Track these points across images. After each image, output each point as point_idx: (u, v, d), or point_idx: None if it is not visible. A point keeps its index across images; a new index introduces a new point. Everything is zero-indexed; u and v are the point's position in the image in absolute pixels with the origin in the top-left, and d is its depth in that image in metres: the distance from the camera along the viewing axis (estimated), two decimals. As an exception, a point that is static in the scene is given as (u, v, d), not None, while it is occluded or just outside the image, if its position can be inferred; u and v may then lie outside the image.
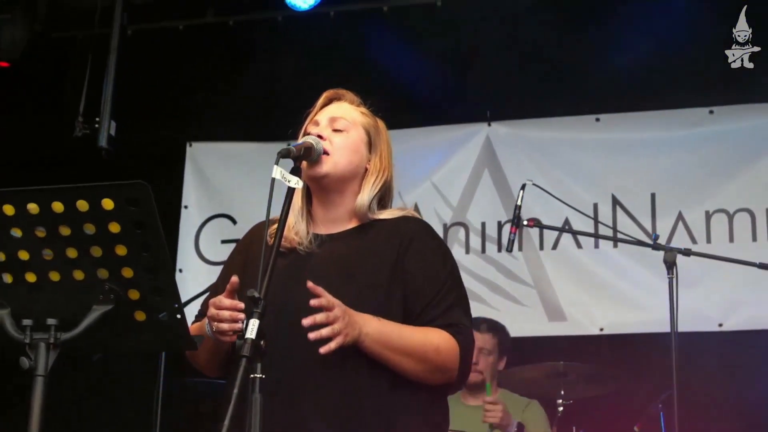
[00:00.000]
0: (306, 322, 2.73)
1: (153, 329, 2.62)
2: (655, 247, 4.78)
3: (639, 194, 6.34)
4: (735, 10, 5.59)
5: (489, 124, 6.66)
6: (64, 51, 6.95)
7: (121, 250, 2.54)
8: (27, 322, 2.60)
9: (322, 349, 2.72)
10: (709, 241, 6.17)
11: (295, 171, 2.90)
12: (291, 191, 2.87)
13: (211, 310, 2.82)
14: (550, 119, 6.58)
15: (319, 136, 3.08)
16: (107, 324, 2.59)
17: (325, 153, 3.05)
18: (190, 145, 7.06)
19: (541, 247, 6.45)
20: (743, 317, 6.07)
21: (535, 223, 5.04)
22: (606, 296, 6.28)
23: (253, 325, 2.59)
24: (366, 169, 3.16)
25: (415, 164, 6.62)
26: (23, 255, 2.58)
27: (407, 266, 3.02)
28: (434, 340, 2.94)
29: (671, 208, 6.28)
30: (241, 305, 2.76)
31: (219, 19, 6.94)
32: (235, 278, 2.82)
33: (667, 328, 6.02)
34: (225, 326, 2.78)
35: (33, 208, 2.53)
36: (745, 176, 6.19)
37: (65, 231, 2.54)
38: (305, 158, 2.97)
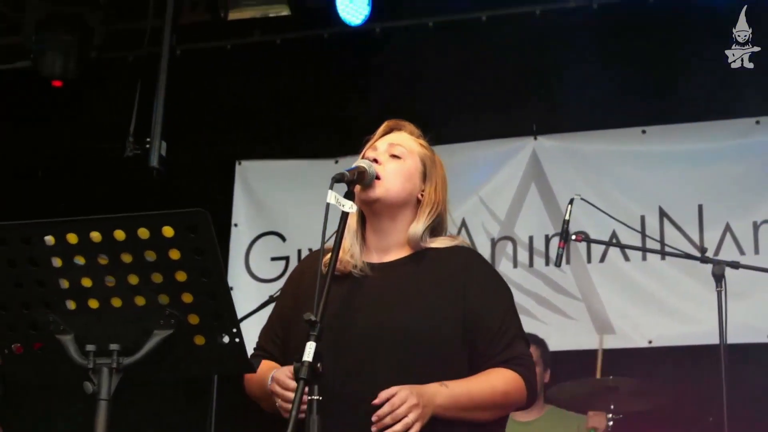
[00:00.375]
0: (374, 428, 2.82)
1: (212, 353, 2.68)
2: (703, 260, 4.80)
3: (686, 206, 6.33)
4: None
5: (535, 138, 6.68)
6: (116, 71, 7.07)
7: (181, 276, 2.61)
8: (90, 347, 2.66)
9: None
10: (757, 252, 6.16)
11: (349, 195, 2.96)
12: (345, 215, 2.92)
13: (277, 388, 2.90)
14: (596, 132, 6.59)
15: (375, 161, 3.12)
16: (168, 349, 2.65)
17: (378, 178, 3.09)
18: (240, 164, 7.13)
19: (589, 260, 6.46)
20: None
21: (583, 237, 5.08)
22: (654, 309, 6.27)
23: (310, 348, 2.65)
24: (419, 199, 3.20)
25: (462, 179, 6.63)
26: (86, 282, 2.65)
27: (468, 297, 3.07)
28: (500, 386, 2.99)
29: (719, 219, 6.27)
30: (305, 398, 2.72)
31: (266, 38, 7.04)
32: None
33: (715, 340, 6.07)
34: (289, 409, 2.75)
35: (96, 236, 2.60)
36: (792, 186, 6.18)
37: (127, 258, 2.61)
38: (359, 182, 3.02)
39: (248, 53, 7.07)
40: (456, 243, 3.21)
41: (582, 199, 5.05)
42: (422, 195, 3.19)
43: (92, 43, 7.03)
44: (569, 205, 5.01)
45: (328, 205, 2.86)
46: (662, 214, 6.36)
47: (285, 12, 6.71)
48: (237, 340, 2.66)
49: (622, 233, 6.17)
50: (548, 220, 6.53)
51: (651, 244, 6.06)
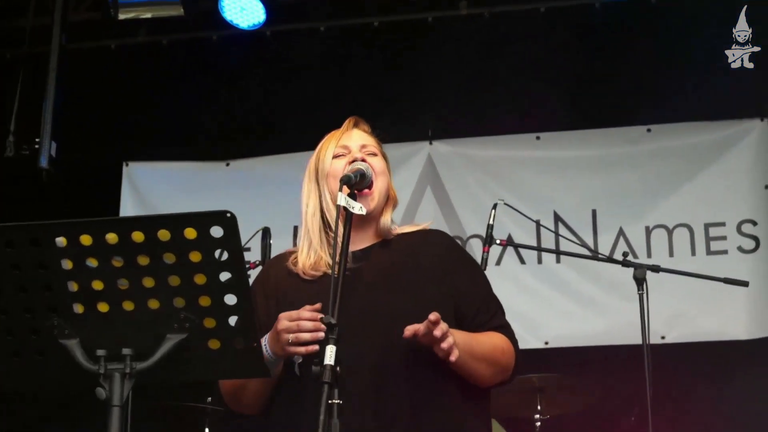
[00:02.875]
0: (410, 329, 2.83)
1: (227, 358, 2.62)
2: (625, 263, 4.92)
3: (580, 211, 6.49)
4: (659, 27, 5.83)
5: (430, 143, 6.74)
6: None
7: (200, 279, 2.53)
8: (101, 352, 2.57)
9: (452, 357, 2.80)
10: (649, 255, 6.35)
11: (352, 197, 2.95)
12: (350, 217, 2.90)
13: (285, 323, 2.86)
14: (491, 137, 6.69)
15: (363, 160, 3.13)
16: (181, 353, 2.58)
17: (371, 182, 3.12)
18: (127, 165, 6.97)
19: (485, 266, 6.52)
20: (683, 330, 6.25)
21: (508, 241, 5.14)
22: (550, 311, 6.40)
23: (331, 351, 2.62)
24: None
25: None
26: (97, 285, 2.55)
27: (454, 275, 3.14)
28: (499, 343, 3.08)
29: (612, 223, 6.45)
30: (322, 316, 2.78)
31: (151, 38, 6.91)
32: (310, 307, 2.87)
33: (608, 341, 6.25)
34: (307, 336, 2.80)
35: (112, 237, 2.50)
36: (682, 192, 6.40)
37: (143, 261, 2.52)
38: (358, 185, 3.01)
39: (135, 53, 6.92)
40: (423, 227, 3.31)
41: (505, 204, 5.12)
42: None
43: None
44: (493, 210, 5.08)
45: (338, 207, 2.85)
46: (557, 218, 6.49)
47: (178, 12, 6.58)
48: (255, 344, 2.60)
49: (519, 237, 6.27)
50: (444, 224, 6.59)
51: (556, 245, 6.18)
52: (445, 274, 3.12)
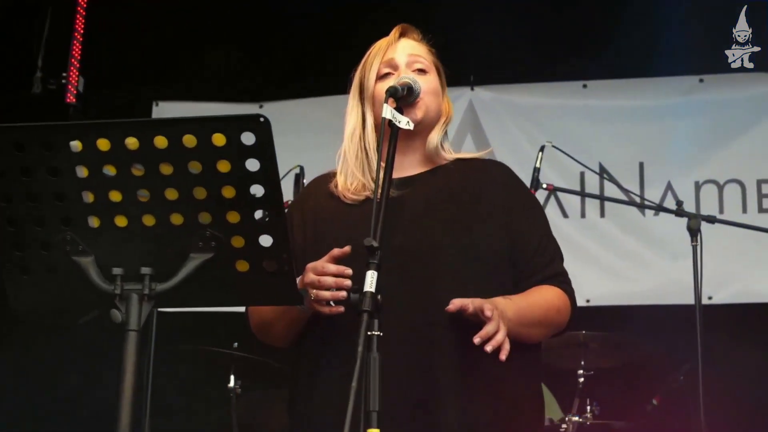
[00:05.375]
0: (477, 340, 2.48)
1: (256, 281, 2.36)
2: (678, 213, 4.63)
3: (627, 163, 6.20)
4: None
5: (472, 89, 6.46)
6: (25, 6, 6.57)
7: (228, 192, 2.27)
8: (117, 271, 2.32)
9: (502, 355, 2.49)
10: (698, 212, 6.03)
11: (399, 111, 2.67)
12: (396, 133, 2.63)
13: (311, 276, 2.57)
14: (536, 84, 6.41)
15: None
16: (206, 274, 2.33)
17: (419, 97, 2.83)
18: (157, 105, 6.72)
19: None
20: (732, 291, 5.97)
21: (554, 186, 4.86)
22: (593, 267, 6.12)
23: (372, 277, 2.36)
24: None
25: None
26: (115, 196, 2.29)
27: (512, 212, 2.85)
28: (554, 301, 2.77)
29: (660, 177, 6.17)
30: (349, 271, 2.52)
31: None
32: (339, 250, 2.57)
33: (652, 301, 5.97)
34: (327, 294, 2.53)
35: (132, 142, 2.24)
36: (735, 147, 6.11)
37: (167, 169, 2.26)
38: (405, 99, 2.74)
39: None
40: (480, 155, 3.02)
41: (553, 146, 4.84)
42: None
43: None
44: (540, 153, 4.81)
45: (383, 120, 2.57)
46: (602, 170, 6.20)
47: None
48: (286, 267, 2.34)
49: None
50: (484, 174, 6.30)
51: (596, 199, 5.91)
52: (503, 211, 2.83)
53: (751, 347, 5.72)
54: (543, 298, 2.76)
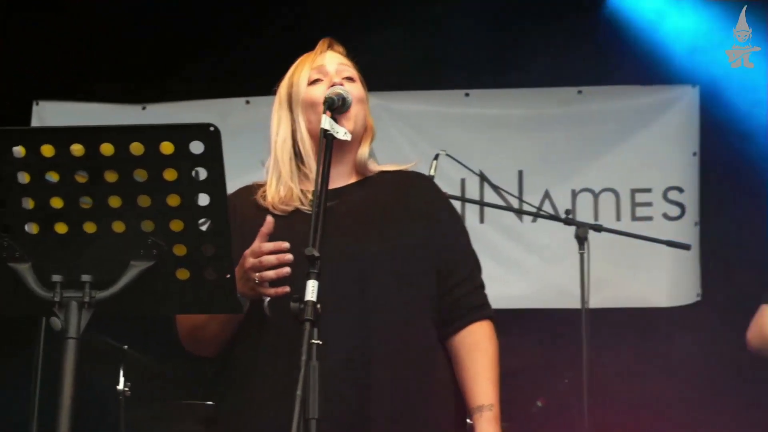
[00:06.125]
0: None
1: (196, 290, 2.36)
2: (567, 222, 4.75)
3: (506, 171, 6.31)
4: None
5: (355, 95, 6.47)
6: None
7: (173, 201, 2.28)
8: (57, 278, 2.30)
9: None
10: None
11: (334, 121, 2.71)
12: (331, 144, 2.65)
13: (250, 260, 2.59)
14: (418, 92, 6.47)
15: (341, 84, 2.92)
16: (146, 282, 2.32)
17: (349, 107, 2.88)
18: (37, 104, 6.55)
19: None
20: (605, 296, 6.13)
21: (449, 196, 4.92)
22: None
23: (313, 286, 2.38)
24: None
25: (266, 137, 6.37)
26: (56, 203, 2.28)
27: (439, 223, 2.96)
28: (494, 353, 2.91)
29: (538, 185, 6.29)
30: (286, 245, 2.56)
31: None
32: (270, 219, 2.61)
33: (531, 305, 6.11)
34: (272, 273, 2.55)
35: (77, 149, 2.23)
36: (610, 157, 6.26)
37: (111, 177, 2.25)
38: (338, 109, 2.77)
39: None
40: (403, 167, 3.11)
41: (448, 155, 4.92)
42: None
43: None
44: (434, 161, 4.88)
45: (322, 131, 2.59)
46: (482, 177, 6.30)
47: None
48: (228, 276, 2.35)
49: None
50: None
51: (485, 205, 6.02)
52: (429, 221, 2.92)
53: (622, 351, 5.89)
54: (493, 363, 2.89)
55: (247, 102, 6.33)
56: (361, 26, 6.29)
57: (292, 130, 2.91)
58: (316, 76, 2.96)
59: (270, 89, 6.09)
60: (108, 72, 6.42)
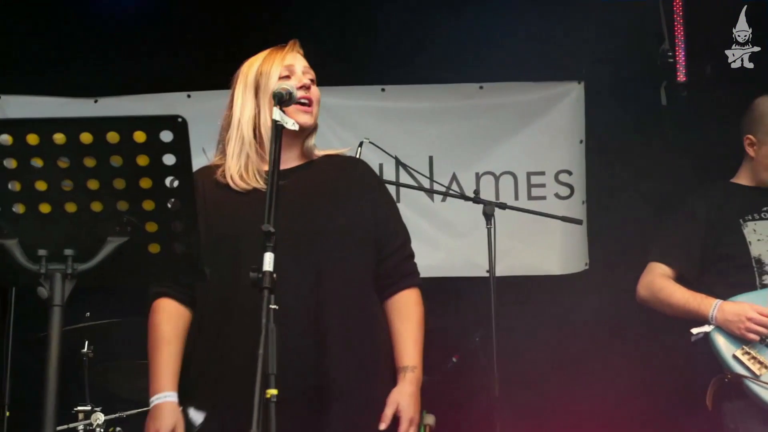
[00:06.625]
0: None
1: (166, 262, 2.38)
2: (476, 200, 4.83)
3: (419, 157, 6.36)
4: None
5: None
6: None
7: (145, 183, 2.30)
8: (42, 252, 2.30)
9: None
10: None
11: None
12: (280, 132, 2.68)
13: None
14: (339, 87, 6.48)
15: (308, 87, 3.06)
16: (122, 256, 2.33)
17: (309, 104, 3.01)
18: (0, 98, 6.41)
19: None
20: (506, 265, 6.22)
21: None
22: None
23: (270, 258, 2.42)
24: None
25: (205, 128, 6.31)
26: (41, 185, 2.28)
27: (375, 199, 3.08)
28: (422, 318, 3.07)
29: (446, 169, 6.36)
30: None
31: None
32: None
33: (439, 274, 6.18)
34: None
35: (59, 138, 2.23)
36: (509, 144, 6.35)
37: (90, 162, 2.26)
38: (287, 104, 2.81)
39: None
40: (339, 152, 3.22)
41: (371, 142, 4.96)
42: None
43: None
44: (359, 148, 4.93)
45: (274, 122, 2.62)
46: (398, 163, 6.34)
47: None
48: (191, 250, 2.37)
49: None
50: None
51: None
52: (368, 199, 3.03)
53: (524, 312, 6.00)
54: (419, 324, 3.06)
55: (189, 96, 6.28)
56: (293, 25, 6.26)
57: (254, 114, 2.94)
58: (285, 73, 3.03)
59: (208, 85, 6.08)
60: (63, 67, 6.28)
